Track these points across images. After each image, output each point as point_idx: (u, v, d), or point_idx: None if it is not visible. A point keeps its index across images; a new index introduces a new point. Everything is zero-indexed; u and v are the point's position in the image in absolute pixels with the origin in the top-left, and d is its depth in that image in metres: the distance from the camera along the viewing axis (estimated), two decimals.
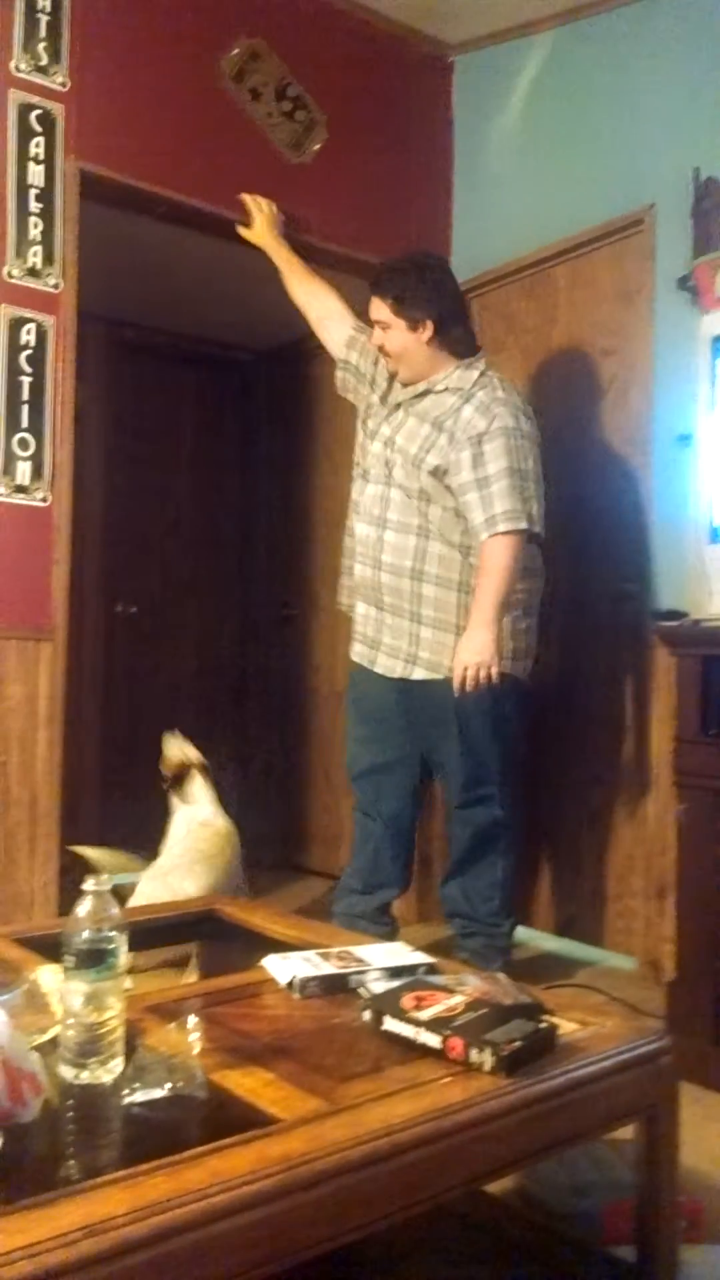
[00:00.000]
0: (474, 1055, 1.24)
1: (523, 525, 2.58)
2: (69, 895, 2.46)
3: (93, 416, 4.00)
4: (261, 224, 3.08)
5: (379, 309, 2.72)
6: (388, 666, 2.77)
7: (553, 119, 3.35)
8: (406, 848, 2.91)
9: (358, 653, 2.86)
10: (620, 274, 3.13)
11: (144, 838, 3.09)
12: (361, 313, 2.89)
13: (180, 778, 3.10)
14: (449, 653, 2.65)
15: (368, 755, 2.88)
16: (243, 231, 3.09)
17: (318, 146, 3.31)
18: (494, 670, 2.54)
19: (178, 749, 3.16)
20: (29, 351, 2.77)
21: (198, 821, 3.01)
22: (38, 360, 2.79)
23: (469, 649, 2.56)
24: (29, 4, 2.77)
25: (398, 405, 2.77)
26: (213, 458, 4.81)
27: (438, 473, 2.63)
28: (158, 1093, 1.15)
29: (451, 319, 2.73)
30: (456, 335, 2.73)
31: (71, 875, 2.75)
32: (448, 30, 3.53)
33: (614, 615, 3.12)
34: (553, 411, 3.30)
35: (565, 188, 3.29)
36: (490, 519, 2.58)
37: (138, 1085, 1.15)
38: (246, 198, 3.10)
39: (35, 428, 2.78)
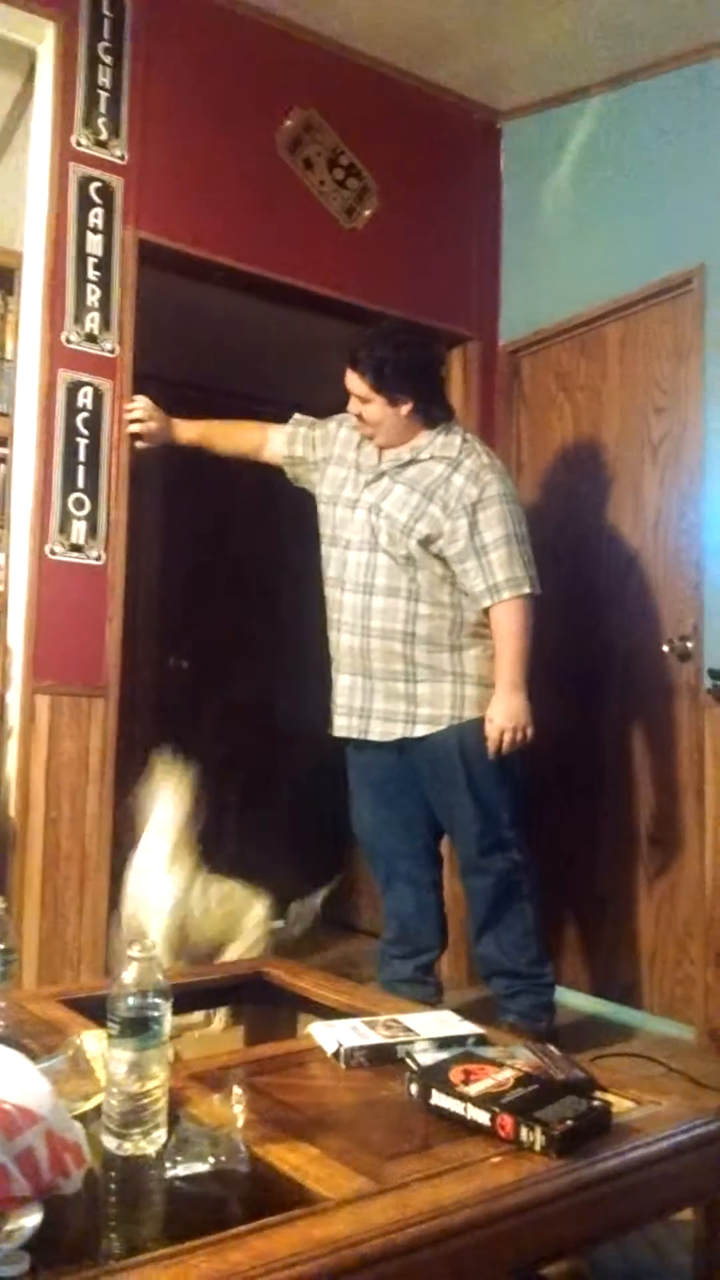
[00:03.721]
0: (524, 1134, 1.20)
1: (526, 590, 2.64)
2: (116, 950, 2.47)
3: (153, 475, 4.06)
4: (158, 427, 2.90)
5: (357, 384, 2.69)
6: (385, 731, 2.72)
7: (601, 181, 3.38)
8: (436, 909, 2.87)
9: (344, 726, 2.77)
10: (672, 332, 3.14)
11: None
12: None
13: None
14: (447, 701, 2.68)
15: (378, 825, 2.86)
16: (144, 445, 2.92)
17: (369, 213, 3.37)
18: (529, 731, 2.64)
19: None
20: (85, 414, 2.84)
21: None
22: (94, 423, 2.85)
23: (503, 713, 2.62)
24: (90, 81, 2.88)
25: (381, 473, 2.74)
26: (270, 515, 4.85)
27: (427, 541, 2.65)
28: (200, 1167, 1.13)
29: (430, 395, 2.73)
30: (434, 409, 2.74)
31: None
32: (497, 97, 3.60)
33: (668, 673, 3.07)
34: (606, 467, 3.31)
35: (615, 248, 3.31)
36: (493, 586, 2.63)
37: (180, 1158, 1.13)
38: (129, 426, 2.88)
39: (91, 488, 2.84)
